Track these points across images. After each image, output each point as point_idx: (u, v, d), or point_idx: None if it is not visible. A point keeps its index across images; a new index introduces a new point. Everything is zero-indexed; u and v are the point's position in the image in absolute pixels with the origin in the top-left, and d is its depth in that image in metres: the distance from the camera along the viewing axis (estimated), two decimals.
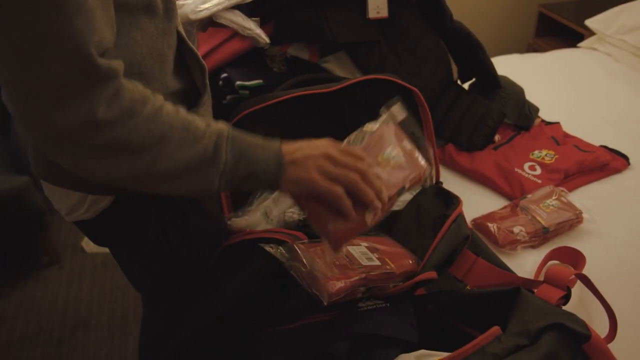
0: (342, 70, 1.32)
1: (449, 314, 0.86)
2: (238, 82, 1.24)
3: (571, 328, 0.67)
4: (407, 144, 0.81)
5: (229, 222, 1.02)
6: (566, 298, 0.78)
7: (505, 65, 1.87)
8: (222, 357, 0.81)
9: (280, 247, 0.80)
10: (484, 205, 1.26)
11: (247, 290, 0.84)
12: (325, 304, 0.73)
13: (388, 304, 0.82)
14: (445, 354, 0.69)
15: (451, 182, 1.34)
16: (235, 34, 1.21)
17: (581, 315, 0.97)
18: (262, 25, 1.28)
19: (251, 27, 1.05)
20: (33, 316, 1.93)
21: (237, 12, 1.05)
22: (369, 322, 0.79)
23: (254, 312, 0.84)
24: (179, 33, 0.80)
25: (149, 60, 0.72)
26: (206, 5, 0.99)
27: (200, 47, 1.27)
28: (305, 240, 0.87)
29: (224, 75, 1.26)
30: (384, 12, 1.28)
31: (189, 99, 0.82)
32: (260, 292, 0.85)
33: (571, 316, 0.70)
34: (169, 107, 0.68)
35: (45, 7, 0.55)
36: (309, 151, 0.72)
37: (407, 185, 0.79)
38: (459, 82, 1.52)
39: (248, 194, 1.08)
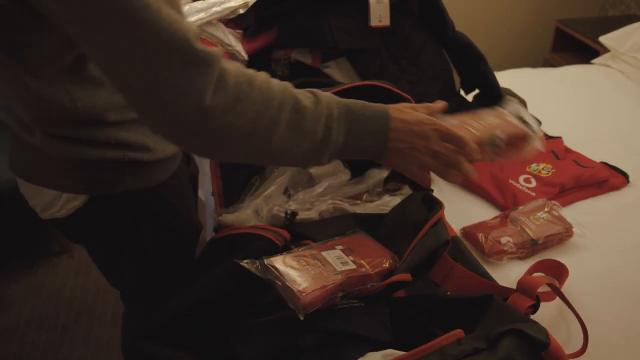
0: (343, 75, 1.34)
1: (425, 316, 0.87)
2: None
3: (530, 335, 0.68)
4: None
5: (219, 218, 1.05)
6: (535, 307, 0.79)
7: (516, 79, 1.88)
8: (198, 345, 0.84)
9: (257, 262, 0.83)
10: (476, 215, 1.27)
11: (227, 281, 0.87)
12: (302, 318, 0.75)
13: (362, 304, 0.84)
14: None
15: (446, 190, 1.35)
16: None
17: (559, 328, 0.98)
18: (266, 30, 1.32)
19: (231, 43, 1.06)
20: (40, 302, 1.99)
21: (219, 25, 1.05)
22: (341, 319, 0.80)
23: (231, 303, 0.87)
24: None
25: None
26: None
27: None
28: (293, 250, 0.89)
29: None
30: (386, 21, 1.30)
31: None
32: (239, 285, 0.87)
33: (533, 324, 0.71)
34: (274, 84, 0.69)
35: (133, 6, 0.56)
36: (416, 141, 0.76)
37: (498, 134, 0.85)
38: (462, 92, 1.54)
39: (240, 190, 1.11)
